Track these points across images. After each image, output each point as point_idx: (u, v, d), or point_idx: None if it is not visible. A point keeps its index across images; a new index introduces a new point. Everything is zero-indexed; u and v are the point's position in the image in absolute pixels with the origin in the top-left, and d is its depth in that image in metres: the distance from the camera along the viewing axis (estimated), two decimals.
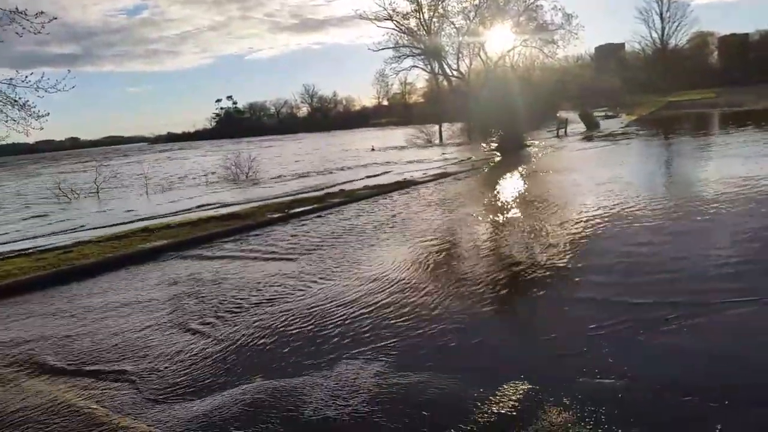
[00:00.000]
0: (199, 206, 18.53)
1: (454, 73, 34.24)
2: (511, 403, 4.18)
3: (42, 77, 13.04)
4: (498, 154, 28.32)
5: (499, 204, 13.56)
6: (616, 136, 31.33)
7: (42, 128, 15.35)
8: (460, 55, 34.51)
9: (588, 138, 32.68)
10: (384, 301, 6.75)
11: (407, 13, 33.95)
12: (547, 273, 7.28)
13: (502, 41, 33.23)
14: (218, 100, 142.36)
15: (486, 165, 23.68)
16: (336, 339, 5.77)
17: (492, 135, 35.16)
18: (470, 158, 26.95)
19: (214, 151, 65.11)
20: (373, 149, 42.55)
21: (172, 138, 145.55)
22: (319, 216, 13.80)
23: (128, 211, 19.55)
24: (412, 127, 48.06)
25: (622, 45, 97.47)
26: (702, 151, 20.12)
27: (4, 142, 14.61)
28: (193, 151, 78.93)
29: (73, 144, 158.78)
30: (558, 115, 43.58)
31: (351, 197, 16.28)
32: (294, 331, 6.10)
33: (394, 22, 33.87)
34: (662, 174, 16.29)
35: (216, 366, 5.44)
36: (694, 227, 8.98)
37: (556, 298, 6.38)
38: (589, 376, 4.46)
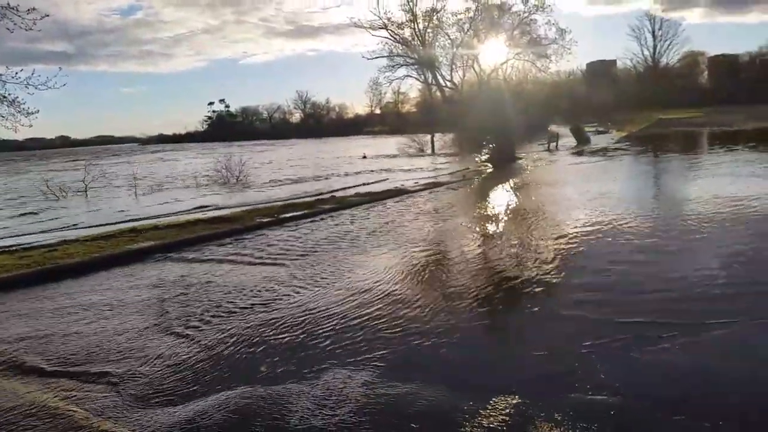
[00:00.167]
0: (189, 209, 18.37)
1: (448, 83, 34.22)
2: (502, 417, 4.11)
3: (32, 74, 12.89)
4: (489, 165, 28.37)
5: (490, 216, 13.55)
6: (606, 152, 31.48)
7: (31, 125, 15.15)
8: (454, 66, 34.51)
9: (579, 153, 32.82)
10: (373, 311, 6.66)
11: (402, 23, 33.92)
12: (538, 288, 7.19)
13: (495, 54, 33.25)
14: (210, 103, 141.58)
15: (477, 176, 23.70)
16: (324, 347, 5.67)
17: (484, 147, 35.27)
18: (462, 169, 26.97)
19: (205, 153, 64.77)
20: (364, 157, 42.52)
21: (163, 139, 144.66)
22: (310, 222, 13.70)
23: (116, 211, 19.36)
24: (405, 136, 48.01)
25: (614, 62, 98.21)
26: (692, 169, 20.19)
27: None
28: (183, 153, 78.53)
29: (63, 142, 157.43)
30: (549, 129, 43.81)
31: (342, 204, 16.20)
32: (281, 338, 6.00)
33: (389, 31, 33.80)
34: (653, 191, 16.33)
35: (200, 371, 5.32)
36: (684, 246, 8.94)
37: (546, 314, 6.29)
38: (581, 392, 4.39)
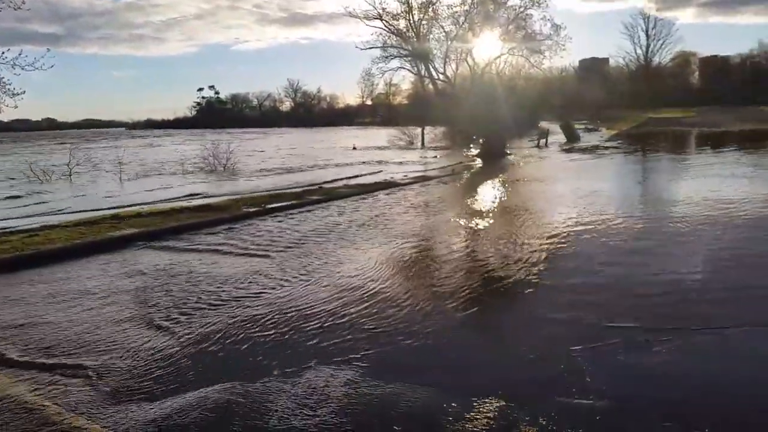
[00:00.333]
0: (174, 197, 18.14)
1: (441, 76, 34.07)
2: (486, 420, 4.01)
3: (20, 54, 12.62)
4: (479, 160, 28.30)
5: (479, 212, 13.45)
6: (596, 150, 31.53)
7: (16, 106, 14.91)
8: (448, 60, 34.32)
9: (568, 150, 32.86)
10: (359, 308, 6.54)
11: (397, 14, 33.69)
12: (527, 289, 7.09)
13: (489, 48, 33.11)
14: (200, 89, 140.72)
15: (467, 171, 23.63)
16: (307, 343, 5.55)
17: (474, 141, 35.21)
18: (451, 163, 26.87)
19: (193, 140, 64.21)
20: (354, 148, 42.32)
21: (150, 125, 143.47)
22: (298, 213, 13.55)
23: (100, 196, 19.10)
24: (395, 128, 47.89)
25: (606, 60, 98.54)
26: (682, 170, 20.24)
27: None
28: (171, 139, 77.85)
29: (50, 125, 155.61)
30: (540, 125, 43.83)
31: (330, 195, 16.06)
32: (264, 333, 5.87)
33: (384, 21, 33.57)
34: (643, 191, 16.30)
35: (179, 365, 5.19)
36: (675, 248, 8.81)
37: (534, 316, 6.19)
38: (567, 395, 4.31)
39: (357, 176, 22.21)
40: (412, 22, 33.70)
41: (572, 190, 15.46)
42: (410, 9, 33.31)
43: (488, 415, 4.07)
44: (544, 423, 3.95)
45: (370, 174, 23.01)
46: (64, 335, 6.03)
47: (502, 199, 15.41)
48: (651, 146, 33.05)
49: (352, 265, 8.37)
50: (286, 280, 7.72)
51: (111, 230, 11.46)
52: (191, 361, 5.27)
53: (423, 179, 20.21)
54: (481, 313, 6.40)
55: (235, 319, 6.29)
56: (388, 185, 18.40)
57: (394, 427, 3.99)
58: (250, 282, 7.74)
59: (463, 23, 32.93)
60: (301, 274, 8.01)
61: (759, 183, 15.54)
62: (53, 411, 4.41)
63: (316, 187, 18.44)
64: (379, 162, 29.55)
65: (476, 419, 4.02)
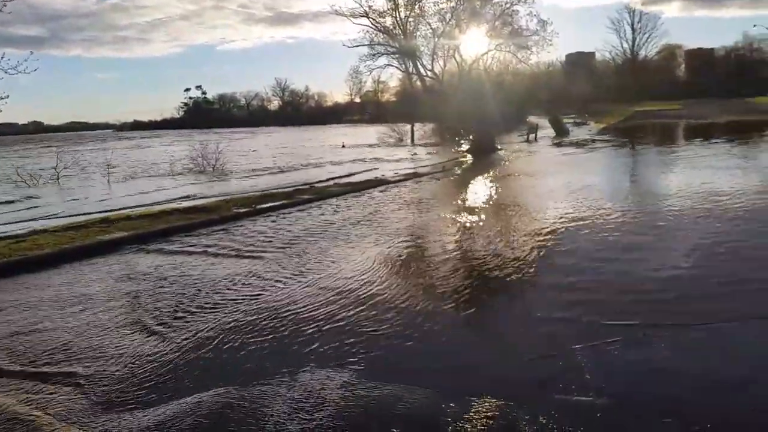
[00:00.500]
0: (164, 200, 17.98)
1: (429, 73, 34.02)
2: (485, 420, 3.97)
3: (2, 57, 12.44)
4: (469, 156, 28.29)
5: (472, 208, 13.41)
6: (586, 144, 31.60)
7: (0, 110, 14.71)
8: (435, 56, 34.29)
9: (558, 144, 32.93)
10: (354, 308, 6.49)
11: (383, 12, 33.59)
12: (523, 287, 7.04)
13: (476, 44, 33.10)
14: (187, 90, 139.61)
15: (458, 167, 23.60)
16: (302, 345, 5.49)
17: (464, 137, 35.20)
18: (442, 160, 26.84)
19: (181, 141, 63.79)
20: (343, 146, 42.22)
21: (137, 126, 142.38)
22: (289, 213, 13.46)
23: (87, 200, 18.88)
24: (384, 125, 47.83)
25: (593, 54, 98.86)
26: (673, 162, 20.20)
27: None
28: (159, 140, 77.32)
29: (36, 128, 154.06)
30: (528, 120, 43.90)
31: (321, 194, 15.97)
32: (257, 335, 5.80)
33: (370, 19, 33.46)
34: (636, 185, 16.26)
35: (172, 371, 5.11)
36: (671, 243, 8.72)
37: (532, 315, 6.10)
38: (566, 393, 4.28)
39: (348, 175, 22.09)
40: (398, 19, 33.63)
41: (565, 185, 15.45)
42: (396, 6, 33.24)
43: (487, 414, 4.03)
44: (544, 422, 3.91)
45: (361, 172, 22.91)
46: (54, 343, 5.93)
47: (496, 195, 15.39)
48: (640, 139, 33.18)
49: (347, 265, 8.31)
50: (280, 282, 7.64)
51: (100, 234, 11.33)
52: (185, 367, 5.19)
53: (415, 176, 20.16)
54: (479, 313, 6.36)
55: (229, 323, 6.21)
56: (379, 183, 18.33)
57: (393, 430, 3.94)
58: (243, 284, 7.66)
59: (449, 20, 32.93)
60: (295, 275, 7.93)
61: (750, 174, 15.60)
62: (45, 421, 4.32)
63: (307, 186, 18.33)
64: (370, 160, 29.47)
65: (475, 419, 3.98)
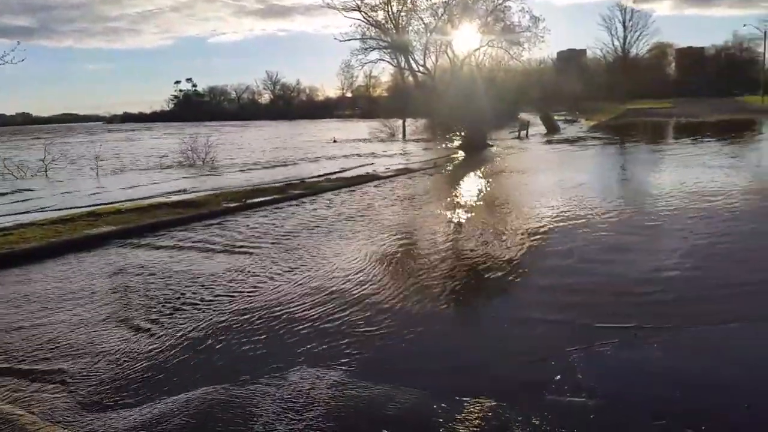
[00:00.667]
0: (153, 194, 17.82)
1: (420, 68, 34.00)
2: (477, 420, 3.93)
3: None
4: (461, 152, 28.26)
5: (465, 205, 13.37)
6: (577, 141, 31.65)
7: None
8: (427, 51, 34.27)
9: (549, 141, 32.96)
10: (343, 305, 6.43)
11: (375, 5, 33.51)
12: (517, 289, 6.96)
13: (469, 40, 33.07)
14: (177, 82, 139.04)
15: (449, 163, 23.55)
16: (292, 343, 5.42)
17: (455, 133, 35.17)
18: (433, 155, 26.80)
19: (171, 133, 63.37)
20: (334, 141, 42.07)
21: (127, 118, 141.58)
22: (279, 208, 13.36)
23: (76, 193, 18.68)
24: (376, 120, 47.70)
25: (584, 51, 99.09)
26: (667, 161, 20.18)
27: None
28: (149, 133, 76.80)
29: (25, 119, 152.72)
30: (520, 116, 43.91)
31: (312, 189, 15.87)
32: (246, 333, 5.73)
33: (362, 13, 33.39)
34: (630, 183, 16.17)
35: (160, 369, 5.03)
36: (667, 244, 8.51)
37: (525, 316, 5.99)
38: (559, 395, 4.24)
39: (341, 170, 21.99)
40: (390, 13, 33.59)
41: (557, 182, 15.38)
42: (389, 0, 33.14)
43: (479, 415, 3.98)
44: (536, 423, 3.87)
45: (353, 167, 22.82)
46: (39, 339, 5.82)
47: (488, 192, 15.36)
48: (632, 137, 33.25)
49: (339, 262, 8.24)
50: (270, 279, 7.56)
51: (88, 228, 11.18)
52: (172, 365, 5.11)
53: (406, 172, 20.09)
54: (470, 313, 6.32)
55: (218, 320, 6.13)
56: (371, 179, 18.25)
57: (383, 431, 3.88)
58: (232, 280, 7.57)
59: (442, 15, 32.91)
60: (286, 272, 7.85)
61: (742, 173, 15.64)
62: (28, 420, 4.22)
63: (298, 181, 18.21)
64: (361, 155, 29.36)
65: (467, 420, 3.94)
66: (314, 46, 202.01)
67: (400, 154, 29.37)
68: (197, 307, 6.59)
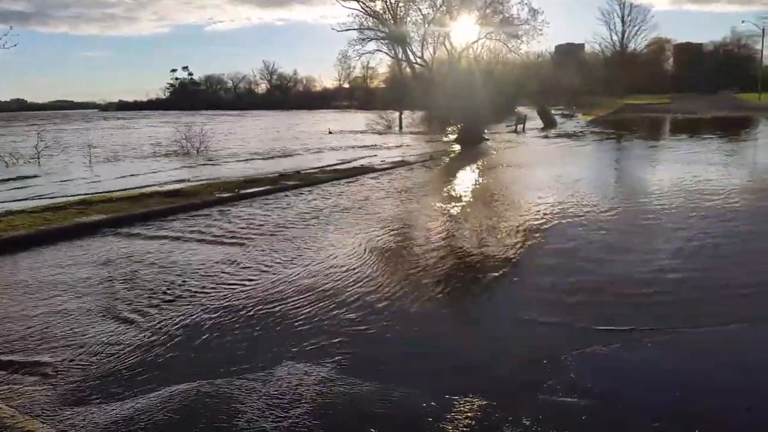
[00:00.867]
0: (146, 183, 17.65)
1: (418, 60, 33.72)
2: (467, 420, 3.83)
3: None
4: (457, 145, 28.12)
5: (461, 200, 13.26)
6: (575, 136, 31.57)
7: None
8: (425, 43, 33.96)
9: (546, 136, 32.84)
10: (333, 299, 6.32)
11: None
12: (517, 288, 6.79)
13: (467, 32, 32.79)
14: (173, 70, 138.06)
15: (445, 156, 23.43)
16: (279, 338, 5.32)
17: (452, 126, 34.98)
18: (429, 148, 26.64)
19: (167, 122, 62.94)
20: (330, 132, 41.82)
21: (123, 106, 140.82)
22: (273, 199, 13.23)
23: (68, 180, 18.50)
24: (373, 112, 47.47)
25: (582, 45, 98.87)
26: (666, 158, 20.01)
27: None
28: (145, 121, 76.32)
29: (20, 106, 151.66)
30: (517, 110, 43.74)
31: (306, 181, 15.73)
32: (235, 327, 5.61)
33: (360, 3, 33.08)
34: (629, 180, 16.05)
35: (144, 362, 4.91)
36: (668, 244, 8.24)
37: (522, 317, 5.80)
38: (551, 394, 4.14)
39: (337, 162, 21.83)
40: (388, 3, 33.28)
41: (555, 178, 15.22)
42: None
43: (469, 415, 3.89)
44: (527, 424, 3.78)
45: (348, 160, 22.69)
46: (22, 329, 5.70)
47: (484, 186, 15.26)
48: (630, 132, 33.15)
49: (333, 255, 8.13)
50: (260, 271, 7.44)
51: (78, 216, 11.03)
52: (157, 358, 5.00)
53: (403, 164, 19.96)
54: (465, 312, 6.20)
55: (205, 313, 6.02)
56: (366, 171, 18.11)
57: (371, 430, 3.79)
58: (222, 272, 7.46)
59: (440, 6, 32.60)
60: (277, 263, 7.74)
61: (741, 172, 15.55)
62: (6, 413, 4.11)
63: (292, 172, 18.06)
64: (357, 147, 29.20)
65: (457, 419, 3.84)
66: (312, 36, 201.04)
67: (396, 146, 29.20)
68: (185, 299, 6.48)
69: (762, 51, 73.22)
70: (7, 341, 5.43)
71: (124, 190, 14.93)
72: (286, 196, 13.64)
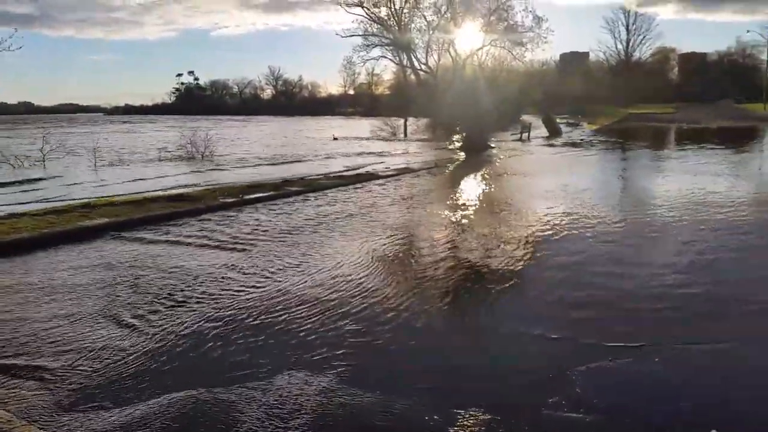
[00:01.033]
0: (151, 186, 17.65)
1: (423, 67, 33.83)
2: None
3: None
4: (462, 153, 28.08)
5: (467, 210, 13.19)
6: (580, 145, 31.48)
7: None
8: (430, 50, 34.09)
9: (551, 144, 32.77)
10: (335, 307, 6.26)
11: (378, 1, 33.36)
12: (523, 302, 6.61)
13: (471, 39, 32.85)
14: (179, 75, 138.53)
15: (450, 164, 23.38)
16: (280, 346, 5.25)
17: (456, 133, 34.95)
18: (434, 156, 26.61)
19: (173, 126, 63.10)
20: (335, 138, 41.82)
21: (129, 110, 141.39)
22: (276, 204, 13.20)
23: (73, 184, 18.50)
24: (378, 118, 47.46)
25: (587, 54, 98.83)
26: (673, 169, 19.82)
27: None
28: (151, 126, 76.51)
29: (27, 109, 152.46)
30: (521, 118, 43.68)
31: (310, 187, 15.71)
32: (235, 334, 5.56)
33: (365, 9, 33.24)
34: (636, 191, 15.87)
35: (143, 369, 4.86)
36: (678, 258, 8.06)
37: (528, 332, 5.64)
38: (556, 409, 4.07)
39: (342, 169, 21.80)
40: (393, 10, 33.43)
41: (561, 187, 15.08)
42: None
43: (473, 429, 3.82)
44: None
45: (353, 166, 22.66)
46: (22, 333, 5.66)
47: (490, 195, 15.19)
48: (635, 142, 33.02)
49: (334, 262, 8.07)
50: (264, 277, 7.39)
51: (81, 219, 11.02)
52: (157, 364, 4.95)
53: (407, 171, 19.92)
54: (472, 324, 6.10)
55: (206, 319, 5.97)
56: (370, 177, 18.08)
57: None
58: (224, 277, 7.41)
59: (444, 13, 32.69)
60: (279, 270, 7.69)
61: (752, 183, 15.48)
62: (3, 418, 4.06)
63: (296, 178, 18.03)
64: (361, 153, 29.17)
65: None
66: (317, 42, 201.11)
67: (401, 153, 29.17)
68: (186, 304, 6.43)
69: (767, 61, 73.09)
70: (4, 345, 5.38)
71: (131, 194, 14.92)
72: (294, 201, 13.61)
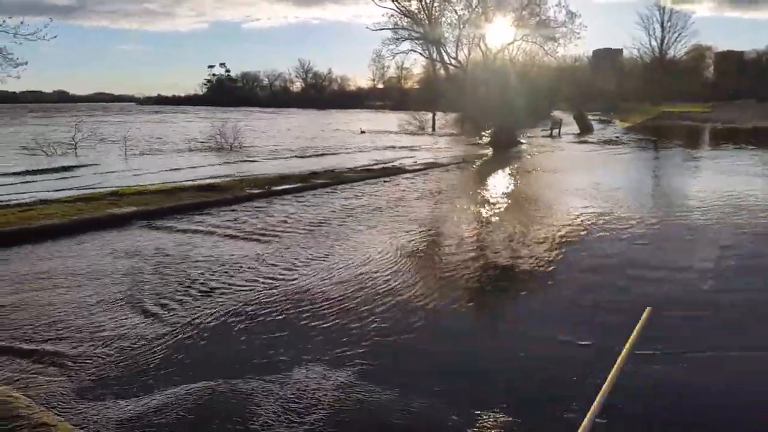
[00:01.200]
0: (181, 176, 17.79)
1: (452, 61, 33.43)
2: None
3: (21, 23, 12.32)
4: (491, 148, 27.77)
5: (495, 206, 12.99)
6: (612, 143, 30.91)
7: (19, 77, 14.65)
8: (460, 44, 33.63)
9: (582, 141, 32.25)
10: (357, 302, 6.19)
11: None
12: (547, 304, 6.42)
13: (502, 34, 32.35)
14: (211, 66, 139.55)
15: (478, 159, 23.14)
16: (301, 339, 5.20)
17: (486, 128, 34.57)
18: (462, 151, 26.38)
19: (204, 118, 63.67)
20: (363, 132, 41.74)
21: (161, 101, 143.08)
22: (303, 196, 13.18)
23: (103, 173, 18.73)
24: (406, 112, 47.26)
25: (620, 51, 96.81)
26: (708, 169, 19.34)
27: None
28: (183, 116, 77.39)
29: (60, 97, 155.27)
30: (552, 114, 43.07)
31: (337, 179, 15.67)
32: (256, 326, 5.53)
33: (395, 2, 32.95)
34: (665, 192, 15.47)
35: (163, 358, 4.85)
36: (711, 264, 7.65)
37: (551, 336, 5.45)
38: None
39: (370, 163, 21.69)
40: (424, 4, 33.11)
41: (593, 185, 14.76)
42: None
43: (492, 430, 3.71)
44: None
45: (381, 159, 22.56)
46: (46, 319, 5.70)
47: (519, 191, 14.97)
48: (669, 141, 32.28)
49: (359, 255, 8.00)
50: (288, 269, 7.36)
51: (110, 207, 11.14)
52: (177, 353, 4.93)
53: (434, 166, 19.76)
54: (498, 326, 5.95)
55: (229, 309, 5.95)
56: (397, 171, 17.99)
57: None
58: (249, 268, 7.39)
59: (475, 7, 32.26)
60: (303, 263, 7.64)
61: None
62: (22, 403, 4.07)
63: (323, 170, 18.01)
64: (389, 147, 29.03)
65: None
66: (347, 36, 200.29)
67: (429, 147, 28.96)
68: (211, 295, 6.41)
69: None
70: (28, 330, 5.43)
71: (163, 183, 15.02)
72: (325, 193, 13.58)
